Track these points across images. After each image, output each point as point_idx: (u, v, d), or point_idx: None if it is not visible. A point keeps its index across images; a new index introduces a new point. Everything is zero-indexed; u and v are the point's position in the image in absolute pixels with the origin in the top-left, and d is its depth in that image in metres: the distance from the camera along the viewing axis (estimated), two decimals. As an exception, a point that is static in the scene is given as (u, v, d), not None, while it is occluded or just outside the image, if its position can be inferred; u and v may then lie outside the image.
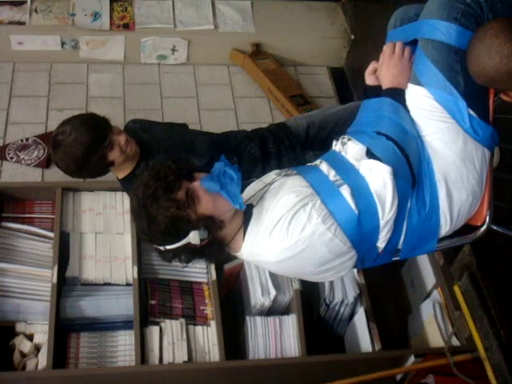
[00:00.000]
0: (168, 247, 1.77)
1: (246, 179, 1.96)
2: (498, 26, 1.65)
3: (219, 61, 4.36)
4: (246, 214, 1.84)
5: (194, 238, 1.74)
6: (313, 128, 2.74)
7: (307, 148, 2.69)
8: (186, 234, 1.74)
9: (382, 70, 1.95)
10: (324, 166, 1.90)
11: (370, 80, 2.03)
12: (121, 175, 2.55)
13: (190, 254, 1.82)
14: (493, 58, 1.64)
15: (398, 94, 1.89)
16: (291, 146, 2.64)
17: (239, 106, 4.17)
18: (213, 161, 1.85)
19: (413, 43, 1.93)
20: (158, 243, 1.79)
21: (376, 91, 1.98)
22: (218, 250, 1.84)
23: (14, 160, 3.62)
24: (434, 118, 1.83)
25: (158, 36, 4.15)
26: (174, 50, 4.23)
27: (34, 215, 3.09)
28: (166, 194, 1.71)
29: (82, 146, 2.31)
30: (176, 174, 1.75)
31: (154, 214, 1.71)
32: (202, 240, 1.76)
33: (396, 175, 1.76)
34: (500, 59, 1.63)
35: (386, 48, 1.96)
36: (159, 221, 1.71)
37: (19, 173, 3.60)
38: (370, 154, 1.83)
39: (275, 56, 4.37)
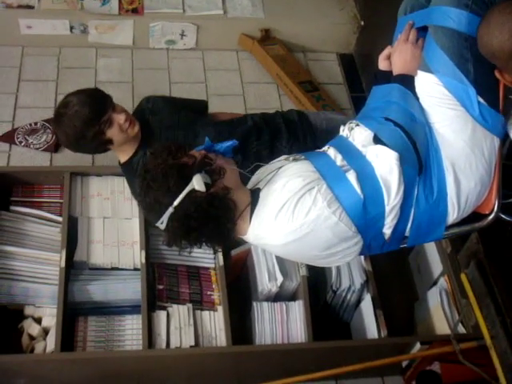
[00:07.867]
0: (176, 203, 1.73)
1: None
2: None
3: (228, 46, 4.34)
4: (254, 197, 1.85)
5: (197, 182, 1.73)
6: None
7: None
8: (189, 179, 1.74)
9: (395, 56, 1.96)
10: (331, 151, 1.91)
11: (383, 65, 2.04)
12: (122, 158, 2.57)
13: (199, 214, 1.76)
14: (503, 33, 1.61)
15: (407, 81, 1.89)
16: (304, 145, 2.54)
17: (248, 91, 4.15)
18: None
19: (424, 30, 1.92)
20: (166, 202, 1.74)
21: (386, 77, 1.98)
22: (225, 211, 1.80)
23: (22, 144, 3.63)
24: (443, 105, 1.83)
25: (166, 21, 4.13)
26: (182, 35, 4.22)
27: (42, 199, 3.09)
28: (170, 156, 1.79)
29: (80, 120, 2.35)
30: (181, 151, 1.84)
31: (157, 172, 1.75)
32: (206, 185, 1.74)
33: (402, 161, 1.76)
34: (509, 37, 1.60)
35: (401, 35, 1.96)
36: (163, 173, 1.74)
37: (28, 157, 3.60)
38: (377, 140, 1.83)
39: (284, 42, 4.35)
